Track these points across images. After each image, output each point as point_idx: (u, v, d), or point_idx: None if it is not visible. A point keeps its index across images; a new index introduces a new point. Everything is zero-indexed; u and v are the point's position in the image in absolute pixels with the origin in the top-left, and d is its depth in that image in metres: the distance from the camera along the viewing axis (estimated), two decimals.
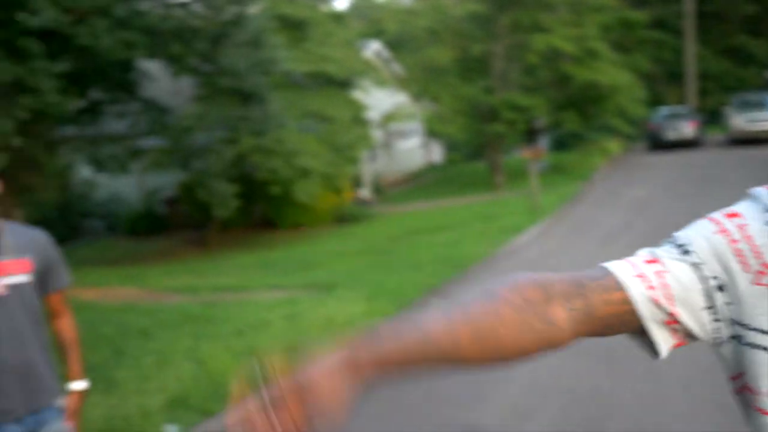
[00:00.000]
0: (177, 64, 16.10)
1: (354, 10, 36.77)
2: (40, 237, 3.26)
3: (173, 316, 9.56)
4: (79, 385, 3.39)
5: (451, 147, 35.14)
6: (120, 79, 16.27)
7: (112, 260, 17.01)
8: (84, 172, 21.41)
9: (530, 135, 25.73)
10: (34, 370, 3.17)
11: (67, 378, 3.40)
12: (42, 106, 12.31)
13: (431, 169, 32.24)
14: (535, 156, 17.50)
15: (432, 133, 29.21)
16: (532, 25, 23.14)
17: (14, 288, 3.09)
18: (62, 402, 3.33)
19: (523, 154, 18.06)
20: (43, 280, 3.24)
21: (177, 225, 21.33)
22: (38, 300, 3.22)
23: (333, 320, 8.28)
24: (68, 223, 20.82)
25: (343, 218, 20.32)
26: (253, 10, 16.58)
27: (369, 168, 24.92)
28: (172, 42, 14.98)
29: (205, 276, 13.40)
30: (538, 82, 25.11)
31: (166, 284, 12.51)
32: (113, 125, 17.71)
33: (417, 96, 26.38)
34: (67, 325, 3.41)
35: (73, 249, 18.68)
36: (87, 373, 6.50)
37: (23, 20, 11.90)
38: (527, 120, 24.08)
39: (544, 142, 27.63)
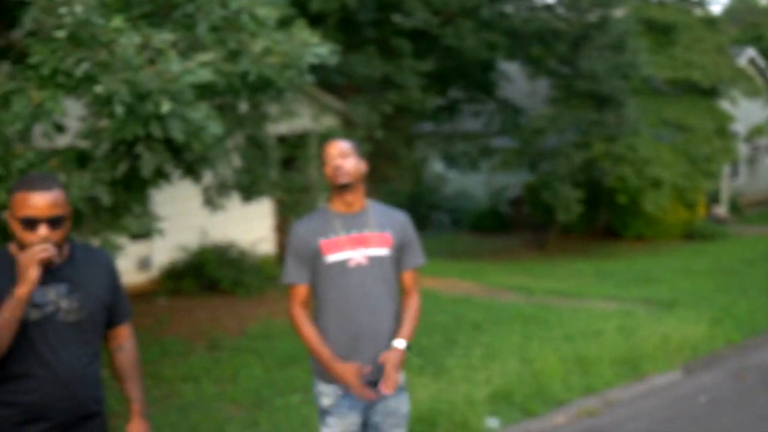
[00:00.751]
0: (535, 65, 16.26)
1: (728, 14, 34.29)
2: (400, 217, 3.50)
3: (505, 313, 9.68)
4: (400, 343, 3.43)
5: None
6: (479, 79, 16.83)
7: (454, 253, 17.66)
8: (436, 166, 22.54)
9: None
10: (384, 340, 3.37)
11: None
12: (405, 102, 13.15)
13: None
14: None
15: None
16: None
17: (375, 260, 3.33)
18: (402, 378, 3.50)
19: None
20: (399, 257, 3.44)
21: (519, 225, 21.56)
22: (395, 275, 3.40)
23: (669, 339, 7.79)
24: (418, 214, 22.02)
25: (693, 234, 19.05)
26: (618, 13, 16.18)
27: (729, 184, 23.12)
28: (533, 44, 15.14)
29: (541, 278, 13.37)
30: None
31: (502, 282, 12.70)
32: (468, 123, 18.38)
33: None
34: (413, 302, 3.51)
35: (421, 239, 19.68)
36: (420, 355, 6.82)
37: (397, 21, 12.79)
38: None
39: None
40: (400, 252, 3.44)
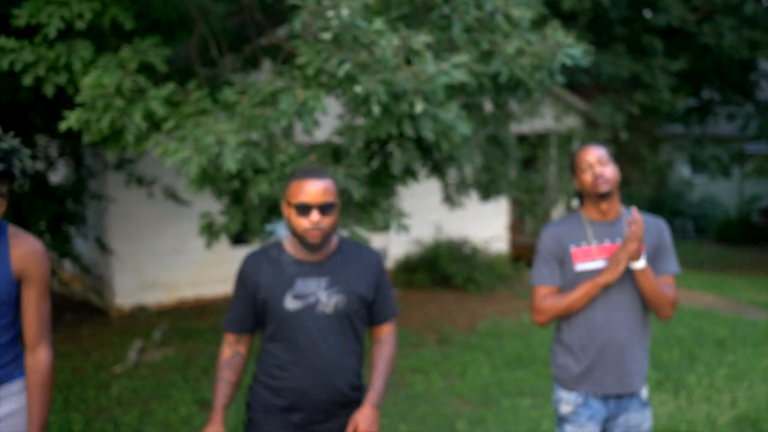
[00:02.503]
0: None
1: None
2: (655, 224, 3.34)
3: (754, 333, 8.98)
4: (641, 263, 3.19)
5: None
6: (737, 80, 15.75)
7: (695, 263, 16.69)
8: (683, 171, 21.38)
9: None
10: (630, 353, 3.26)
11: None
12: (653, 102, 12.60)
13: None
14: None
15: None
16: None
17: (626, 271, 3.20)
18: (646, 393, 3.37)
19: None
20: (652, 266, 3.29)
21: None
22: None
23: None
24: None
25: None
26: None
27: None
28: None
29: None
30: None
31: (750, 298, 11.81)
32: (720, 126, 17.26)
33: None
34: (670, 291, 3.27)
35: None
36: (658, 370, 6.48)
37: (649, 19, 12.26)
38: None
39: None
40: (652, 260, 3.29)
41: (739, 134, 16.98)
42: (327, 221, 2.83)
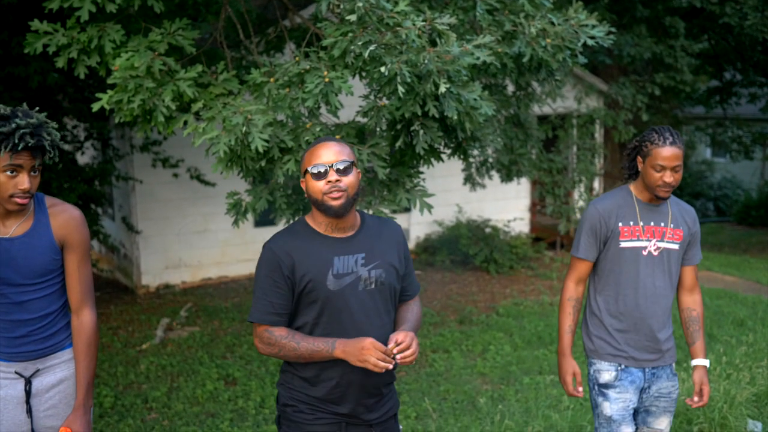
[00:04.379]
0: None
1: None
2: (691, 212, 3.48)
3: None
4: (702, 362, 3.48)
5: None
6: (759, 60, 15.63)
7: (715, 244, 16.66)
8: (704, 152, 21.27)
9: None
10: (661, 331, 3.39)
11: (691, 354, 3.52)
12: (674, 83, 12.55)
13: None
14: None
15: None
16: None
17: (665, 252, 3.35)
18: (674, 366, 3.50)
19: None
20: (684, 253, 3.44)
21: None
22: (678, 269, 3.41)
23: None
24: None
25: None
26: None
27: None
28: None
29: None
30: None
31: None
32: (743, 108, 17.15)
33: None
34: (697, 302, 3.53)
35: None
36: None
37: None
38: None
39: None
40: (686, 247, 3.43)
41: (761, 115, 16.88)
42: (347, 181, 2.63)
